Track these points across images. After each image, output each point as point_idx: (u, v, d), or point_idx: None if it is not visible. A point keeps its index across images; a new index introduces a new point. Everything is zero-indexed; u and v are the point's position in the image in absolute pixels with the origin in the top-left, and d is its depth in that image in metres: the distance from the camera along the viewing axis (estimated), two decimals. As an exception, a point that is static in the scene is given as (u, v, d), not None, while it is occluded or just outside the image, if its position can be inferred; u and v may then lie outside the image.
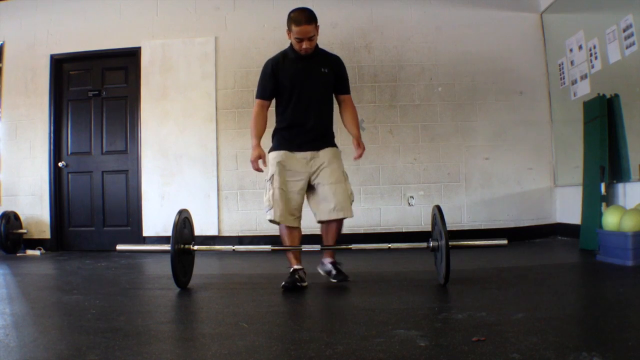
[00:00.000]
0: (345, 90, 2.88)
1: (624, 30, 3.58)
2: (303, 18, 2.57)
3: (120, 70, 5.12)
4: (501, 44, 4.89)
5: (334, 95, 2.88)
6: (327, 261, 2.82)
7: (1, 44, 5.14)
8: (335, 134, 2.93)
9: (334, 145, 2.83)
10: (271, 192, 2.64)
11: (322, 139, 2.78)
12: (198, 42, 4.94)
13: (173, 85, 4.93)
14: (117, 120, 5.08)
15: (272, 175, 2.67)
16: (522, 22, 4.94)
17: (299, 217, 2.72)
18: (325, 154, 2.74)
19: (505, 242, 2.61)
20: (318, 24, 2.65)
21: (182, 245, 2.66)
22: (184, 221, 2.72)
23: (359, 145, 2.77)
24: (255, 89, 2.86)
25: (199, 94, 4.91)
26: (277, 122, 2.83)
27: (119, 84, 5.11)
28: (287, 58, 2.73)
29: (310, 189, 2.76)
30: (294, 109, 2.73)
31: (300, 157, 2.72)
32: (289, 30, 2.64)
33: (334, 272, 2.76)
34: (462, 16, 4.91)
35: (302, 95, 2.72)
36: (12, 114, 5.09)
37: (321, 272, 2.86)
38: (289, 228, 2.70)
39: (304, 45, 2.61)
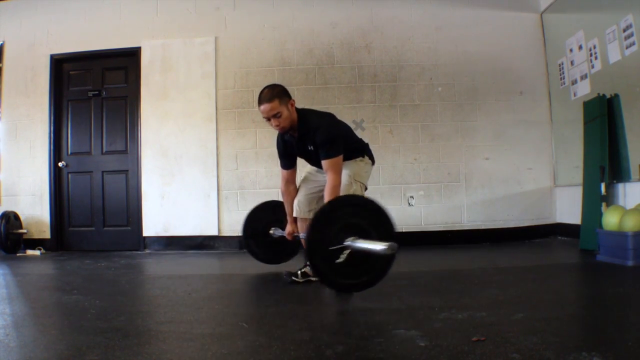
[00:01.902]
0: (323, 156, 2.61)
1: (624, 30, 3.58)
2: (262, 96, 2.55)
3: (120, 70, 5.11)
4: (501, 44, 4.89)
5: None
6: None
7: (1, 44, 5.14)
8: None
9: (351, 158, 2.78)
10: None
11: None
12: (198, 42, 4.94)
13: (173, 85, 4.93)
14: (117, 120, 5.08)
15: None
16: (522, 22, 4.94)
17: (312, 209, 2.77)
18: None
19: (384, 247, 2.08)
20: (289, 99, 2.58)
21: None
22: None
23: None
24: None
25: (199, 94, 4.91)
26: None
27: (119, 84, 5.11)
28: (283, 137, 2.78)
29: None
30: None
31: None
32: None
33: None
34: (462, 16, 4.91)
35: (309, 161, 2.86)
36: (12, 114, 5.09)
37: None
38: (301, 219, 2.85)
39: (273, 123, 2.59)
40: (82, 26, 5.04)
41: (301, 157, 2.82)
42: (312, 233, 2.20)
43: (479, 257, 3.86)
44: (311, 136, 2.61)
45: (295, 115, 2.61)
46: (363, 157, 2.80)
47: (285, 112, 2.55)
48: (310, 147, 2.64)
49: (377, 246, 2.09)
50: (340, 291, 2.28)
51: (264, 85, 2.68)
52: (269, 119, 2.56)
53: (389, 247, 2.04)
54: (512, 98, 4.87)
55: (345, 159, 2.72)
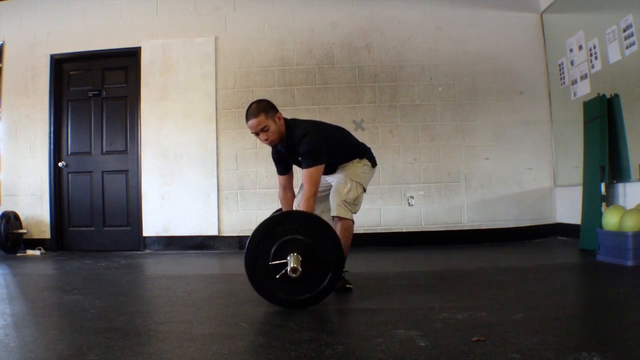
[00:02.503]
0: (303, 165, 2.61)
1: (624, 30, 3.58)
2: (250, 112, 2.55)
3: (120, 70, 5.11)
4: (501, 44, 4.89)
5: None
6: None
7: (1, 44, 5.14)
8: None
9: (350, 160, 2.77)
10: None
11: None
12: (198, 42, 4.94)
13: (173, 85, 4.93)
14: (117, 120, 5.08)
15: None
16: (522, 22, 4.94)
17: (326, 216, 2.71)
18: (342, 167, 2.76)
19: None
20: (276, 112, 2.57)
21: None
22: None
23: None
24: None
25: (199, 94, 4.91)
26: None
27: (119, 84, 5.11)
28: (277, 147, 2.76)
29: None
30: None
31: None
32: None
33: None
34: (462, 16, 4.91)
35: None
36: (12, 114, 5.09)
37: None
38: None
39: (262, 137, 2.59)
40: (82, 26, 5.05)
41: (296, 165, 2.79)
42: (251, 246, 2.21)
43: (479, 257, 3.86)
44: (298, 147, 2.62)
45: (283, 127, 2.61)
46: (361, 158, 2.79)
47: (272, 126, 2.56)
48: (300, 158, 2.64)
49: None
50: (280, 306, 2.22)
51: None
52: (257, 134, 2.57)
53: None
54: (512, 98, 4.87)
55: (342, 162, 2.74)
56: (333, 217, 2.60)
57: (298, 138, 2.59)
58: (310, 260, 2.17)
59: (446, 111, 4.85)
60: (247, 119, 2.55)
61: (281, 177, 2.82)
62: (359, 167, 2.74)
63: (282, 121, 2.61)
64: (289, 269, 2.11)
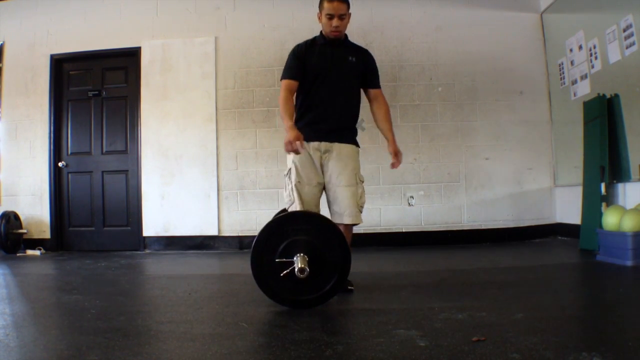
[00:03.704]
0: (375, 84, 2.75)
1: (624, 30, 3.58)
2: None
3: (120, 70, 5.11)
4: (501, 44, 4.89)
5: (364, 92, 2.76)
6: None
7: (1, 44, 5.14)
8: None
9: (353, 142, 2.67)
10: (290, 186, 2.55)
11: (341, 132, 2.61)
12: (198, 42, 4.94)
13: (173, 85, 4.93)
14: (117, 120, 5.08)
15: (289, 169, 2.57)
16: (522, 22, 4.94)
17: (318, 211, 2.59)
18: (340, 149, 2.59)
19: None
20: (350, 11, 2.58)
21: None
22: None
23: (396, 153, 2.67)
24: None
25: (199, 94, 4.91)
26: (295, 111, 2.64)
27: (119, 84, 5.11)
28: (315, 43, 2.67)
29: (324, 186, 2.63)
30: (316, 95, 2.60)
31: (314, 148, 2.56)
32: (320, 11, 2.59)
33: None
34: (462, 16, 4.91)
35: (326, 82, 2.59)
36: (12, 114, 5.09)
37: None
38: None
39: (334, 23, 2.52)
40: (82, 26, 5.05)
41: (321, 67, 2.59)
42: (260, 241, 2.19)
43: (479, 257, 3.86)
44: (361, 53, 2.68)
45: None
46: (357, 144, 2.71)
47: (348, 19, 2.59)
48: (352, 59, 2.64)
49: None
50: (282, 305, 2.21)
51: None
52: (331, 17, 2.53)
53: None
54: (512, 98, 4.87)
55: (349, 129, 2.67)
56: (349, 224, 2.54)
57: (364, 48, 2.74)
58: (316, 261, 2.17)
59: (446, 111, 4.85)
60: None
61: (293, 81, 2.59)
62: (357, 158, 2.67)
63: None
64: (296, 269, 2.11)
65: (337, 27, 2.55)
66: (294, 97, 2.63)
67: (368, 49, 2.84)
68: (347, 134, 2.65)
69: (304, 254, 2.16)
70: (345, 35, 2.68)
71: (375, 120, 2.79)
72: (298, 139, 2.39)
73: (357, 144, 2.70)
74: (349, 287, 2.54)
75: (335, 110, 2.60)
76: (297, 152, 2.43)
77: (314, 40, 2.68)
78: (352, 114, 2.70)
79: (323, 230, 2.25)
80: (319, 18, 2.62)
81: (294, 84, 2.59)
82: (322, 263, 2.18)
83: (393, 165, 2.67)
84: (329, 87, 2.60)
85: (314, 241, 2.20)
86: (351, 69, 2.64)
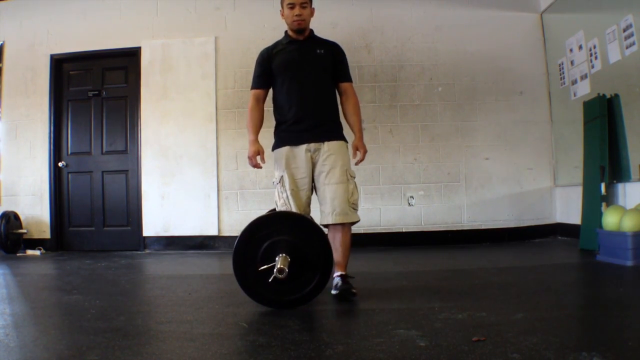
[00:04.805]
0: (345, 77, 2.64)
1: (624, 30, 3.58)
2: None
3: (120, 70, 5.11)
4: (501, 44, 4.89)
5: (335, 86, 2.67)
6: (336, 274, 2.46)
7: (1, 44, 5.14)
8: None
9: (340, 138, 2.58)
10: (285, 195, 2.49)
11: (324, 128, 2.53)
12: (198, 42, 4.94)
13: (173, 85, 4.93)
14: (117, 120, 5.08)
15: (282, 177, 2.52)
16: (522, 22, 4.94)
17: (309, 214, 2.55)
18: (329, 147, 2.50)
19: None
20: (313, 6, 2.56)
21: None
22: None
23: (359, 148, 2.58)
24: None
25: (199, 94, 4.91)
26: (275, 118, 2.64)
27: (119, 84, 5.11)
28: (280, 43, 2.63)
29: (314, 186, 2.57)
30: (289, 94, 2.54)
31: (303, 150, 2.50)
32: (282, 7, 2.56)
33: (340, 284, 2.41)
34: (462, 16, 4.91)
35: (296, 78, 2.54)
36: (12, 114, 5.09)
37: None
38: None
39: (296, 11, 2.48)
40: (82, 26, 5.05)
41: (287, 64, 2.55)
42: (239, 254, 2.19)
43: (479, 257, 3.86)
44: (329, 46, 2.61)
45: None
46: (346, 140, 2.62)
47: (309, 9, 2.55)
48: (320, 51, 2.56)
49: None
50: (277, 308, 2.20)
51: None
52: (293, 7, 2.50)
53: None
54: (512, 98, 4.87)
55: (339, 133, 2.60)
56: (339, 223, 2.44)
57: (332, 41, 2.66)
58: (298, 260, 2.16)
59: (446, 111, 4.85)
60: None
61: (260, 91, 2.62)
62: (347, 154, 2.57)
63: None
64: (275, 270, 2.09)
65: (299, 15, 2.50)
66: (266, 106, 2.65)
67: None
68: (331, 129, 2.57)
69: (285, 254, 2.15)
70: (312, 30, 2.64)
71: (344, 115, 2.68)
72: (258, 154, 2.50)
73: (344, 139, 2.61)
74: (353, 290, 2.38)
75: (310, 106, 2.53)
76: (257, 166, 2.53)
77: (278, 42, 2.65)
78: (328, 108, 2.60)
79: (300, 228, 2.23)
80: (282, 14, 2.59)
81: (260, 92, 2.62)
82: (304, 261, 2.17)
83: (357, 162, 2.60)
84: (299, 84, 2.54)
85: (292, 240, 2.18)
86: (320, 62, 2.56)
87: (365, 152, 2.59)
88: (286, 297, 2.20)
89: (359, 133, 2.62)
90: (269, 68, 2.58)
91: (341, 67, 2.64)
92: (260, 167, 2.58)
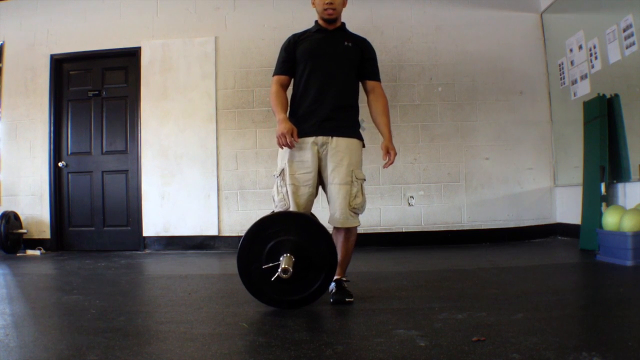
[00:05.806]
0: (374, 75, 2.52)
1: (624, 30, 3.58)
2: None
3: (120, 70, 5.12)
4: (501, 44, 4.89)
5: (361, 84, 2.55)
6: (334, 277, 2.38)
7: (1, 44, 5.14)
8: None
9: (354, 136, 2.43)
10: (284, 189, 2.35)
11: (336, 123, 2.37)
12: (198, 42, 4.94)
13: (173, 85, 4.93)
14: (117, 120, 5.08)
15: (282, 170, 2.36)
16: (522, 22, 4.94)
17: (309, 211, 2.43)
18: (338, 144, 2.36)
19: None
20: (350, 12, 2.48)
21: None
22: None
23: (388, 151, 2.43)
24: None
25: (199, 94, 4.91)
26: (289, 108, 2.47)
27: (119, 84, 5.11)
28: (308, 31, 2.49)
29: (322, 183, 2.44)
30: (308, 83, 2.40)
31: (310, 143, 2.35)
32: None
33: (334, 290, 2.36)
34: (462, 16, 4.91)
35: (319, 68, 2.39)
36: (12, 114, 5.09)
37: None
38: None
39: (326, 0, 2.36)
40: (82, 26, 5.05)
41: (312, 52, 2.43)
42: (244, 252, 2.18)
43: (479, 257, 3.86)
44: (359, 41, 2.48)
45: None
46: (361, 138, 2.51)
47: (342, 2, 2.44)
48: (348, 44, 2.42)
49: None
50: (281, 307, 2.20)
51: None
52: None
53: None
54: (512, 98, 4.87)
55: (356, 131, 2.48)
56: (342, 228, 2.37)
57: (362, 37, 2.52)
58: (303, 260, 2.16)
59: (446, 111, 4.85)
60: None
61: (284, 77, 2.49)
62: (358, 153, 2.44)
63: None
64: (279, 270, 2.09)
65: (330, 3, 2.36)
66: (288, 92, 2.50)
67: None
68: (342, 125, 2.40)
69: (290, 254, 2.14)
70: (343, 23, 2.53)
71: (372, 114, 2.55)
72: (290, 132, 2.26)
73: (357, 137, 2.46)
74: (348, 300, 2.30)
75: (327, 98, 2.38)
76: (290, 145, 2.27)
77: (307, 30, 2.53)
78: (350, 105, 2.46)
79: (305, 227, 2.22)
80: (312, 2, 2.47)
81: (284, 78, 2.48)
82: (308, 261, 2.16)
83: (385, 165, 2.47)
84: (320, 74, 2.39)
85: (298, 240, 2.18)
86: (347, 55, 2.43)
87: (395, 154, 2.45)
88: (290, 297, 2.20)
89: (389, 134, 2.48)
90: (294, 54, 2.45)
91: (370, 64, 2.51)
92: (293, 146, 2.29)
